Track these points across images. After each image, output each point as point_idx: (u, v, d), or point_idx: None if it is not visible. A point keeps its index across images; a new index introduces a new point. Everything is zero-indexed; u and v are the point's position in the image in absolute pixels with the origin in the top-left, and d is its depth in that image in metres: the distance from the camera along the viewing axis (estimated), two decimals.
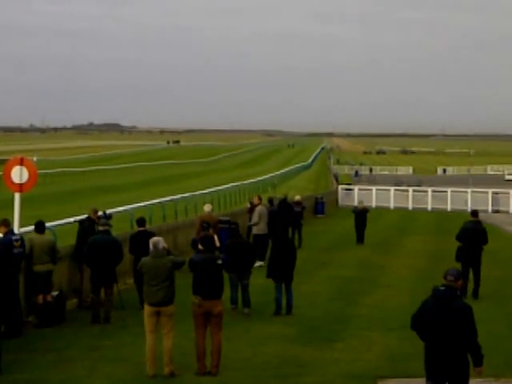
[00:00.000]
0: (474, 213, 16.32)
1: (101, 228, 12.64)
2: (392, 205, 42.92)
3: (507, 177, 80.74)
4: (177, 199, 26.46)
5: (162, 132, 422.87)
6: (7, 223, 11.53)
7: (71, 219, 15.65)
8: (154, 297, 9.56)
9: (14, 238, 11.34)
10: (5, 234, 11.38)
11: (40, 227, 12.39)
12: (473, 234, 15.54)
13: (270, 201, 21.59)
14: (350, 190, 45.62)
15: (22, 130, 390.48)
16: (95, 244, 12.37)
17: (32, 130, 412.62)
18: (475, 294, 15.36)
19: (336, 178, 59.72)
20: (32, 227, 12.65)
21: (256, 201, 20.38)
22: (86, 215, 14.15)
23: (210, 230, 14.40)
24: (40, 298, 12.01)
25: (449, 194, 43.09)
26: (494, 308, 14.53)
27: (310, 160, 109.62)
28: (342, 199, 43.64)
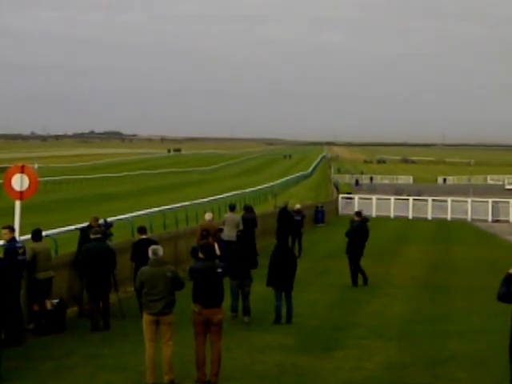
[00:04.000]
0: (359, 213, 19.17)
1: (92, 236, 12.57)
2: (392, 214, 42.91)
3: (507, 186, 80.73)
4: (177, 207, 26.46)
5: (162, 140, 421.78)
6: (12, 230, 11.51)
7: (72, 227, 15.64)
8: (153, 307, 9.52)
9: (17, 245, 11.35)
10: (9, 241, 11.36)
11: (38, 235, 12.41)
12: (359, 231, 18.00)
13: (246, 208, 21.49)
14: (351, 198, 45.61)
15: (23, 138, 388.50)
16: (89, 252, 12.35)
17: (33, 137, 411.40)
18: (365, 282, 17.80)
19: (336, 186, 59.68)
20: None
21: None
22: (86, 223, 14.14)
23: (210, 239, 14.39)
24: (36, 305, 12.01)
25: (449, 203, 43.11)
26: (496, 319, 14.50)
27: (311, 169, 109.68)
28: (343, 208, 43.61)
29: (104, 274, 12.40)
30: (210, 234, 14.68)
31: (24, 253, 11.44)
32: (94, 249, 12.36)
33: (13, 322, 10.90)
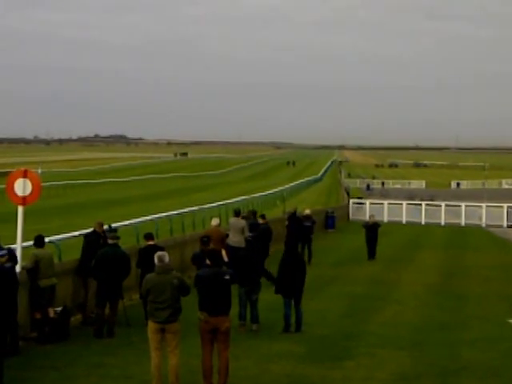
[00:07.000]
0: (263, 216, 20.81)
1: (110, 241, 12.56)
2: (404, 219, 42.55)
3: None
4: (184, 213, 26.24)
5: (169, 144, 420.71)
6: None
7: (76, 233, 15.48)
8: (158, 315, 9.32)
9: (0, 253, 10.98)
10: None
11: (41, 241, 12.28)
12: (265, 234, 19.29)
13: (254, 213, 21.24)
14: (362, 203, 45.31)
15: (26, 142, 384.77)
16: (105, 257, 12.28)
17: (36, 141, 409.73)
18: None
19: (347, 191, 59.33)
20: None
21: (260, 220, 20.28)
22: (91, 229, 13.95)
23: (211, 245, 14.15)
24: (38, 313, 11.84)
25: (463, 208, 42.72)
26: (510, 326, 14.18)
27: (321, 173, 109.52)
28: (354, 213, 43.31)
29: (117, 280, 12.33)
30: (210, 239, 14.43)
31: (10, 260, 11.13)
32: (110, 254, 12.29)
33: (8, 332, 10.65)
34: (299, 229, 22.43)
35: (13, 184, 12.09)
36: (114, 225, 15.39)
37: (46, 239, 12.93)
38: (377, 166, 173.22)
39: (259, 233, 18.65)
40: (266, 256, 18.54)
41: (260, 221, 19.83)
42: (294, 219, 22.98)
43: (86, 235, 13.78)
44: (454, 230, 39.20)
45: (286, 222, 23.07)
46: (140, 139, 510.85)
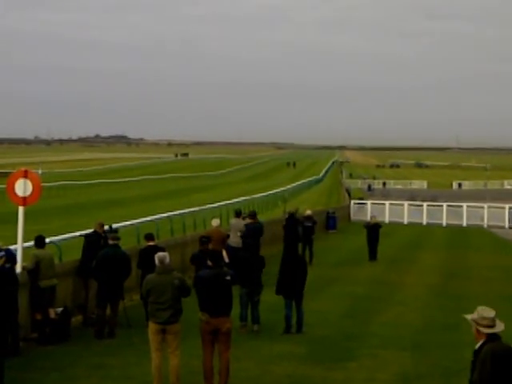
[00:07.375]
0: (252, 215, 19.73)
1: (111, 242, 12.55)
2: (406, 220, 42.51)
3: None
4: (185, 213, 26.21)
5: (169, 144, 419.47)
6: None
7: (77, 233, 15.45)
8: (159, 316, 9.30)
9: None
10: None
11: (41, 242, 12.26)
12: (255, 232, 18.63)
13: (252, 215, 21.15)
14: (363, 204, 45.27)
15: (26, 142, 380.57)
16: (106, 257, 12.27)
17: (37, 142, 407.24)
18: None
19: (348, 192, 59.27)
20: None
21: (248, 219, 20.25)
22: (91, 229, 13.93)
23: (210, 245, 14.13)
24: (38, 314, 11.81)
25: (464, 209, 42.67)
26: None
27: (322, 174, 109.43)
28: (355, 214, 43.29)
29: (117, 281, 12.33)
30: (210, 240, 14.41)
31: (9, 261, 11.10)
32: (111, 254, 12.29)
33: (9, 333, 10.62)
34: (296, 229, 22.32)
35: (13, 184, 12.09)
36: (114, 225, 15.37)
37: (47, 240, 12.93)
38: (378, 166, 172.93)
39: (248, 232, 18.54)
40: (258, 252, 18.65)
41: (248, 220, 19.61)
42: (293, 220, 22.91)
43: (86, 236, 13.76)
44: (455, 230, 39.14)
45: (284, 223, 23.03)
46: (141, 139, 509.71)
